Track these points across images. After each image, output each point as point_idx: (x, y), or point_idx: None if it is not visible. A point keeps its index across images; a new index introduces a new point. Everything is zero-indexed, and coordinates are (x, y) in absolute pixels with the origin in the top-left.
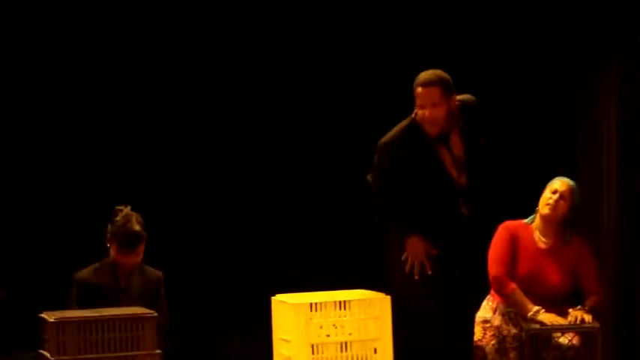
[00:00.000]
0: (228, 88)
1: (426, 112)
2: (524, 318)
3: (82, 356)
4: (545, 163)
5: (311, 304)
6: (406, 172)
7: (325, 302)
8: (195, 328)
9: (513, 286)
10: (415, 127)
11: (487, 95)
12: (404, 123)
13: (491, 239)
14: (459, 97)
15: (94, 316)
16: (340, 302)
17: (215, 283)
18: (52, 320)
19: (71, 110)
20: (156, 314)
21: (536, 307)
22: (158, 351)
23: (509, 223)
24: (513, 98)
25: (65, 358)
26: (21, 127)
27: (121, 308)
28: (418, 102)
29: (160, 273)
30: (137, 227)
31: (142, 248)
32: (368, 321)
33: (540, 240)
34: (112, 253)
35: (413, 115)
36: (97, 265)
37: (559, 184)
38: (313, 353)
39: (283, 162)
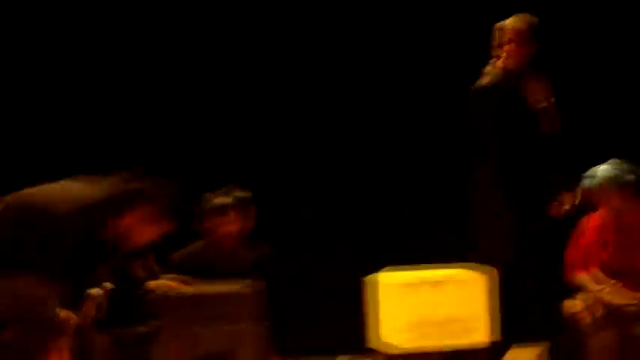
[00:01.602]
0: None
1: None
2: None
3: (187, 330)
4: None
5: (406, 283)
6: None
7: (420, 281)
8: (288, 308)
9: (582, 272)
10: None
11: None
12: (490, 69)
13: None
14: None
15: (200, 291)
16: (436, 281)
17: (310, 263)
18: (159, 296)
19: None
20: (261, 288)
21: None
22: (264, 324)
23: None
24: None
25: (172, 331)
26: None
27: (227, 283)
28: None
29: (267, 247)
30: (226, 198)
31: (236, 214)
32: (464, 299)
33: None
34: (221, 226)
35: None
36: (195, 244)
37: None
38: (408, 332)
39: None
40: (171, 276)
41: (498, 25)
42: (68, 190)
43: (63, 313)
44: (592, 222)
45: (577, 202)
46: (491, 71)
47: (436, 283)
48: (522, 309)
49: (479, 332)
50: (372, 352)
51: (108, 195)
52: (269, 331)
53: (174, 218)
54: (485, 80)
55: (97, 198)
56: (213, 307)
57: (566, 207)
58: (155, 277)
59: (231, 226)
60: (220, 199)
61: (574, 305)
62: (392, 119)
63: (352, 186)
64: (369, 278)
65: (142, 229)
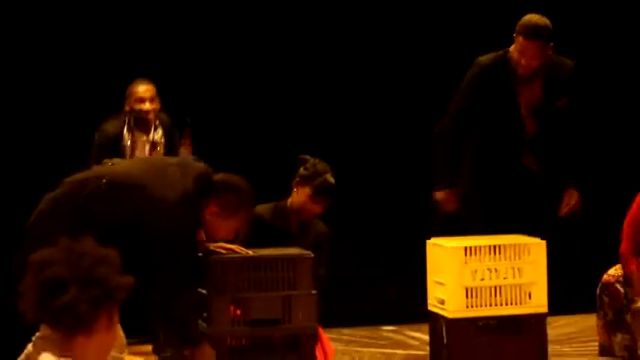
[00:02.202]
0: None
1: (523, 60)
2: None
3: (240, 294)
4: None
5: (466, 247)
6: (484, 104)
7: (480, 246)
8: (352, 271)
9: (633, 267)
10: (506, 61)
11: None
12: (499, 53)
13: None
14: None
15: (253, 256)
16: (495, 246)
17: (371, 225)
18: (211, 259)
19: None
20: (312, 255)
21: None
22: (314, 292)
23: None
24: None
25: (223, 296)
26: None
27: (279, 248)
28: (517, 47)
29: (327, 229)
30: (333, 180)
31: (329, 202)
32: (522, 265)
33: None
34: (300, 197)
35: (509, 49)
36: (276, 204)
37: None
38: (467, 297)
39: None
40: (219, 245)
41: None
42: (169, 176)
43: (122, 278)
44: None
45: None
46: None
47: (497, 248)
48: None
49: (538, 298)
50: (430, 316)
51: (199, 185)
52: (318, 300)
53: (250, 215)
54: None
55: (193, 187)
56: (265, 271)
57: (570, 205)
58: None
59: (317, 208)
60: (329, 179)
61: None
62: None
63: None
64: (430, 242)
65: (220, 222)
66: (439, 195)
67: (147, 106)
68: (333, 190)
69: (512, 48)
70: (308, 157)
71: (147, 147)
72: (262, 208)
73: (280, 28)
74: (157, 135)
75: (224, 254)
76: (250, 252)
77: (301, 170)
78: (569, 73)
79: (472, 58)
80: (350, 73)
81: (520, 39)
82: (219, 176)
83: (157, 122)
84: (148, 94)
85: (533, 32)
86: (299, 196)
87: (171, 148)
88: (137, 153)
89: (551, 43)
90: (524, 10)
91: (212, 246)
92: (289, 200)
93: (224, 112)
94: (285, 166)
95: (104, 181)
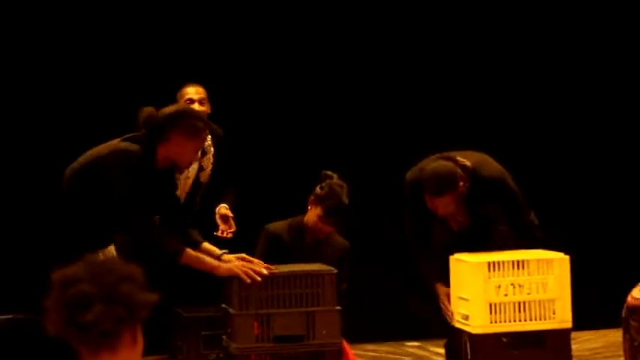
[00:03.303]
0: None
1: (438, 212)
2: None
3: (263, 311)
4: None
5: (489, 262)
6: None
7: (503, 261)
8: (372, 286)
9: None
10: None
11: None
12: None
13: None
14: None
15: (276, 272)
16: (518, 261)
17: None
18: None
19: None
20: (336, 271)
21: None
22: (338, 307)
23: None
24: None
25: (248, 312)
26: None
27: (302, 264)
28: (428, 204)
29: (347, 243)
30: (345, 200)
31: (342, 221)
32: (546, 280)
33: None
34: (312, 216)
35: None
36: (289, 221)
37: None
38: (491, 312)
39: None
40: (240, 255)
41: None
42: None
43: (146, 295)
44: None
45: None
46: None
47: (520, 263)
48: None
49: (562, 313)
50: (454, 331)
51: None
52: (342, 315)
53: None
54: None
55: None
56: (290, 288)
57: None
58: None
59: (328, 228)
60: (342, 202)
61: None
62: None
63: None
64: (454, 258)
65: (182, 149)
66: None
67: (196, 106)
68: (345, 212)
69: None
70: (329, 173)
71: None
72: (278, 225)
73: (302, 39)
74: (207, 142)
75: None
76: (272, 268)
77: (317, 189)
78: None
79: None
80: (379, 86)
81: (426, 198)
82: (162, 113)
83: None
84: (197, 96)
85: (434, 191)
86: (311, 214)
87: (219, 165)
88: None
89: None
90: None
91: (235, 257)
92: (306, 217)
93: (251, 122)
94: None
95: None
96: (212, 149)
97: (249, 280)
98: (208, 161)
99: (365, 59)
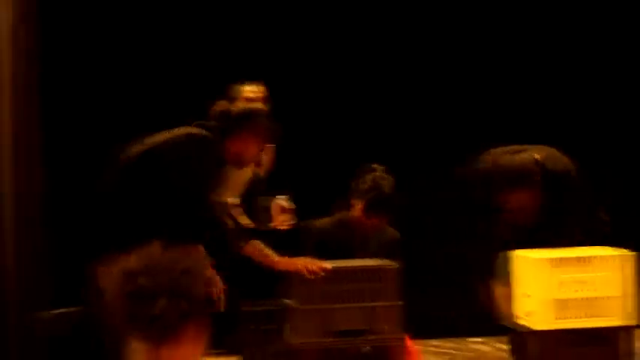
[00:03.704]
0: None
1: (511, 206)
2: None
3: (325, 306)
4: None
5: (552, 259)
6: None
7: (567, 258)
8: (432, 282)
9: None
10: None
11: None
12: None
13: None
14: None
15: (338, 267)
16: (582, 258)
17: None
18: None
19: None
20: (397, 266)
21: None
22: (399, 302)
23: None
24: None
25: (309, 307)
26: None
27: (363, 259)
28: (500, 197)
29: (397, 234)
30: (388, 193)
31: (387, 214)
32: (610, 277)
33: None
34: (357, 210)
35: None
36: (336, 216)
37: None
38: (554, 309)
39: None
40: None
41: None
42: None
43: (209, 289)
44: None
45: None
46: None
47: (582, 260)
48: None
49: (626, 310)
50: (512, 329)
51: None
52: (404, 310)
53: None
54: None
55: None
56: (352, 282)
57: None
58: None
59: (373, 221)
60: (384, 194)
61: None
62: None
63: None
64: (517, 254)
65: (251, 146)
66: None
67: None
68: (388, 205)
69: None
70: (372, 165)
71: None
72: (324, 222)
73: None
74: None
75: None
76: (328, 265)
77: (359, 183)
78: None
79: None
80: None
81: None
82: (234, 110)
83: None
84: (256, 95)
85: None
86: (355, 209)
87: (276, 160)
88: None
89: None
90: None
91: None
92: (351, 211)
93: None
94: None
95: None
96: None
97: (311, 276)
98: (267, 156)
99: (413, 53)
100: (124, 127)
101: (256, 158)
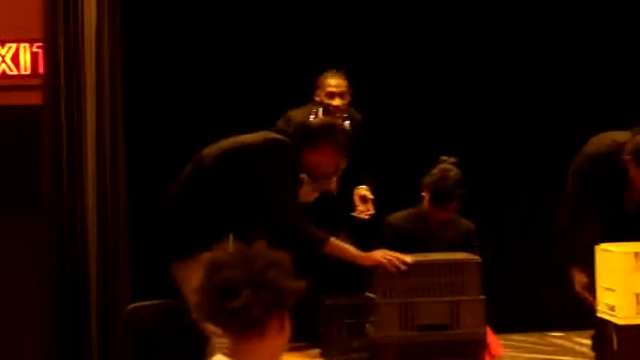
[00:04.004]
0: None
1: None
2: None
3: (408, 299)
4: None
5: (636, 253)
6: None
7: None
8: (513, 275)
9: None
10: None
11: None
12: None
13: None
14: None
15: (421, 261)
16: None
17: (537, 230)
18: (382, 264)
19: None
20: (480, 260)
21: None
22: (482, 297)
23: None
24: None
25: (392, 300)
26: None
27: (447, 253)
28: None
29: (472, 225)
30: (451, 184)
31: (453, 206)
32: None
33: None
34: (425, 202)
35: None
36: (410, 210)
37: None
38: (638, 303)
39: None
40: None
41: None
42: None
43: (293, 282)
44: None
45: None
46: None
47: None
48: None
49: None
50: (600, 322)
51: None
52: (486, 304)
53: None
54: None
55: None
56: (434, 276)
57: None
58: None
59: (441, 214)
60: (446, 186)
61: None
62: None
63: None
64: (599, 248)
65: (323, 165)
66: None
67: (337, 101)
68: (453, 196)
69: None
70: (444, 157)
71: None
72: (398, 216)
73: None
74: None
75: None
76: (408, 258)
77: (427, 176)
78: None
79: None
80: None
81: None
82: (315, 122)
83: (346, 115)
84: (338, 90)
85: None
86: (425, 201)
87: (356, 150)
88: None
89: None
90: None
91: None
92: (423, 204)
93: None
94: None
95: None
96: None
97: (393, 269)
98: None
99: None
100: (203, 125)
101: (330, 175)
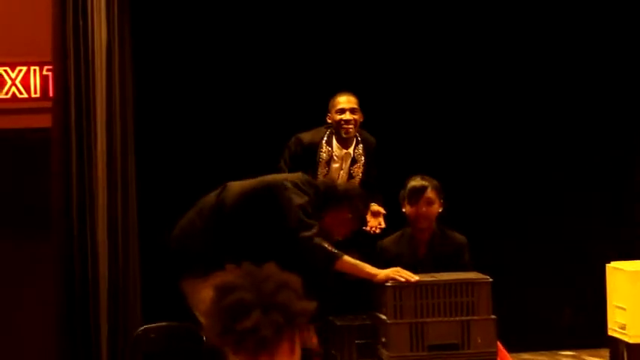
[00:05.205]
0: None
1: None
2: None
3: (418, 320)
4: None
5: None
6: None
7: None
8: (525, 293)
9: None
10: None
11: None
12: None
13: None
14: None
15: (430, 281)
16: None
17: (547, 249)
18: (390, 285)
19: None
20: (491, 280)
21: None
22: (493, 316)
23: None
24: None
25: (402, 321)
26: None
27: (457, 273)
28: None
29: (464, 238)
30: (420, 179)
31: (430, 200)
32: None
33: None
34: (407, 210)
35: None
36: (399, 233)
37: None
38: None
39: None
40: (395, 269)
41: None
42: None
43: (304, 303)
44: None
45: None
46: None
47: None
48: None
49: None
50: (610, 341)
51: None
52: (497, 324)
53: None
54: None
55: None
56: (445, 297)
57: None
58: None
59: (424, 214)
60: (412, 183)
61: None
62: None
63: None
64: (610, 266)
65: (338, 226)
66: None
67: (347, 116)
68: (425, 187)
69: None
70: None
71: (347, 160)
72: (388, 240)
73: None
74: (358, 150)
75: (401, 280)
76: (416, 277)
77: (401, 192)
78: None
79: None
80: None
81: None
82: (343, 185)
83: (360, 138)
84: (349, 105)
85: None
86: (407, 211)
87: (368, 173)
88: (334, 165)
89: None
90: None
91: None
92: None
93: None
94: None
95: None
96: (362, 158)
97: (403, 279)
98: (358, 169)
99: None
100: (215, 146)
101: (343, 237)
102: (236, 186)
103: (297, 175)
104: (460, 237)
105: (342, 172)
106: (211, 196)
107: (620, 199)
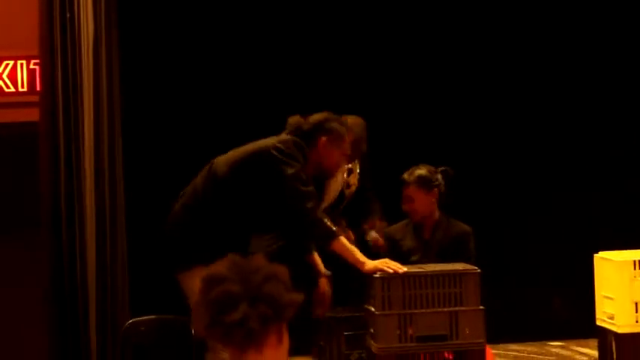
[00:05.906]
0: None
1: None
2: None
3: (406, 311)
4: None
5: (635, 261)
6: None
7: None
8: (513, 283)
9: None
10: None
11: None
12: None
13: None
14: None
15: (418, 272)
16: None
17: (536, 238)
18: (377, 276)
19: None
20: (479, 270)
21: None
22: (481, 307)
23: None
24: None
25: (390, 312)
26: None
27: (445, 264)
28: None
29: (469, 228)
30: (406, 175)
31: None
32: None
33: None
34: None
35: None
36: (405, 221)
37: None
38: (637, 311)
39: None
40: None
41: None
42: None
43: (291, 295)
44: None
45: None
46: None
47: None
48: None
49: None
50: (599, 331)
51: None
52: (485, 315)
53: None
54: None
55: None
56: (433, 287)
57: None
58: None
59: (403, 207)
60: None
61: None
62: None
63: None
64: (598, 256)
65: (327, 158)
66: None
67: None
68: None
69: None
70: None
71: (344, 172)
72: (394, 227)
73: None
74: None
75: (389, 272)
76: (404, 268)
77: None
78: None
79: None
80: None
81: None
82: (312, 118)
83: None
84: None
85: None
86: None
87: (363, 182)
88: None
89: None
90: None
91: (371, 265)
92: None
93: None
94: None
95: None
96: (358, 169)
97: (391, 271)
98: (354, 178)
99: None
100: (202, 139)
101: (337, 166)
102: (222, 161)
103: (281, 139)
104: (465, 226)
105: (337, 183)
106: (198, 178)
107: (620, 199)
